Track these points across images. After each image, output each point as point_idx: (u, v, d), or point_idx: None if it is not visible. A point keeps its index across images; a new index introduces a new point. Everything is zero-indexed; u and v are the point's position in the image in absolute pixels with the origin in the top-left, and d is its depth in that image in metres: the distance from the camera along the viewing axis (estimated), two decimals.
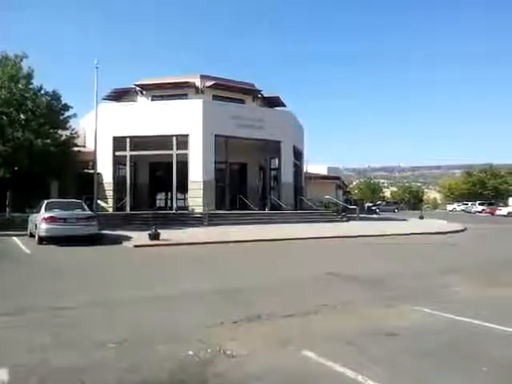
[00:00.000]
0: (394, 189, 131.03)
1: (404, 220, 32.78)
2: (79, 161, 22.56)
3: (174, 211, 25.74)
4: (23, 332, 5.12)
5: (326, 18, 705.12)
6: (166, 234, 16.10)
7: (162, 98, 29.68)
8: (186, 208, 26.28)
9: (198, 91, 29.83)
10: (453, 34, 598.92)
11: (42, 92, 21.20)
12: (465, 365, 4.23)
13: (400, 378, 3.87)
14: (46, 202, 16.37)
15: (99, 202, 23.73)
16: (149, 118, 26.11)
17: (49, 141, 20.08)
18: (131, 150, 26.58)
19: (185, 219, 23.48)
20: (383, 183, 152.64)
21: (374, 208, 56.43)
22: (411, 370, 4.09)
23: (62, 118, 21.59)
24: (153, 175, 30.33)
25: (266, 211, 27.81)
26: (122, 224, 20.78)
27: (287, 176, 29.84)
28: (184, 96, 29.44)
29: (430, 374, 3.98)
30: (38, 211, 15.75)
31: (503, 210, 47.27)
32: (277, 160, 30.15)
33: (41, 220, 14.86)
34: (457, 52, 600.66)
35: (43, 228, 14.69)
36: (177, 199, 26.83)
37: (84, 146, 26.02)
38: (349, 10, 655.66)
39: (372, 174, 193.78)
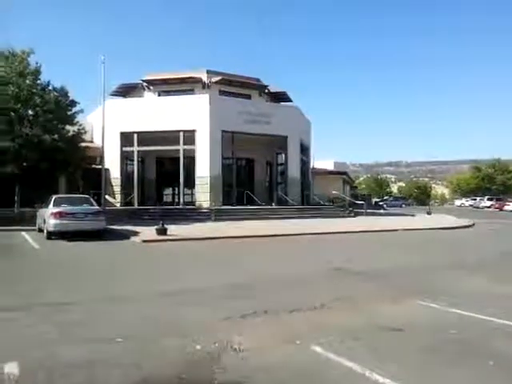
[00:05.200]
0: (402, 184, 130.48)
1: (411, 215, 32.59)
2: (87, 156, 22.64)
3: (181, 206, 25.82)
4: (32, 327, 5.16)
5: (329, 16, 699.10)
6: (173, 229, 16.17)
7: (168, 93, 29.75)
8: (193, 203, 26.36)
9: (204, 86, 29.81)
10: (454, 32, 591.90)
11: (50, 88, 21.28)
12: (472, 360, 4.21)
13: (407, 373, 3.86)
14: (54, 197, 16.48)
15: (107, 197, 23.85)
16: (156, 113, 26.16)
17: (57, 136, 20.19)
18: (138, 145, 26.70)
19: (192, 214, 23.54)
20: (390, 178, 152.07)
21: (381, 203, 56.29)
22: (418, 364, 4.08)
23: (69, 113, 21.66)
24: (160, 170, 30.40)
25: (273, 207, 27.80)
26: (129, 219, 20.89)
27: (294, 171, 29.81)
28: (190, 91, 29.49)
29: (437, 369, 3.97)
30: (47, 206, 15.86)
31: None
32: (283, 155, 30.12)
33: (49, 215, 14.97)
34: (460, 48, 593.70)
35: (52, 223, 14.80)
36: (184, 194, 26.91)
37: (91, 142, 26.14)
38: (353, 7, 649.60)
39: (379, 169, 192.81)
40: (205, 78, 30.01)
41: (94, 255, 12.23)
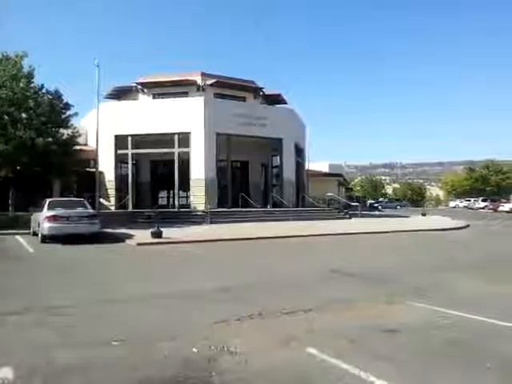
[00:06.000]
0: (396, 185, 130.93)
1: (406, 217, 32.72)
2: (81, 159, 22.56)
3: (176, 209, 25.76)
4: (26, 331, 5.13)
5: (326, 18, 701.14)
6: (168, 232, 16.11)
7: (163, 96, 29.63)
8: (188, 206, 26.30)
9: (199, 89, 29.76)
10: (453, 33, 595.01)
11: (44, 91, 21.20)
12: (468, 361, 4.22)
13: (403, 375, 3.87)
14: (48, 200, 16.38)
15: (101, 200, 23.75)
16: (150, 116, 26.11)
17: (51, 139, 20.09)
18: (133, 148, 26.63)
19: (187, 217, 23.47)
20: (385, 180, 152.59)
21: (376, 205, 56.51)
22: (414, 366, 4.09)
23: (63, 116, 21.57)
24: (155, 173, 30.33)
25: (269, 209, 27.82)
26: (124, 222, 20.78)
27: (289, 173, 29.82)
28: (185, 94, 29.42)
29: (433, 370, 3.98)
30: (41, 210, 15.77)
31: (506, 206, 47.12)
32: (278, 157, 30.11)
33: (43, 219, 14.88)
34: (457, 50, 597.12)
35: (46, 227, 14.72)
36: (179, 197, 26.83)
37: (86, 145, 26.05)
38: (351, 7, 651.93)
39: (374, 170, 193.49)
40: (199, 80, 29.98)
41: (88, 258, 12.17)
